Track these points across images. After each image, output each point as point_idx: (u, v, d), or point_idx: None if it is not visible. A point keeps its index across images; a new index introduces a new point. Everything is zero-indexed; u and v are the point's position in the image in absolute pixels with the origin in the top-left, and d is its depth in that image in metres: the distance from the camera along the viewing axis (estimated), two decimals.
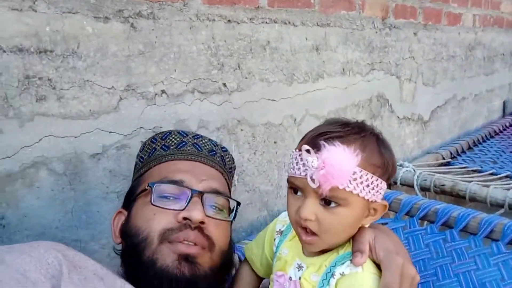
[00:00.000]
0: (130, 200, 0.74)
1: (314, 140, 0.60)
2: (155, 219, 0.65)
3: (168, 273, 0.61)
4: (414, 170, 1.59)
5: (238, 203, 0.75)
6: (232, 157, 0.85)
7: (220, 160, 0.79)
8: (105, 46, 0.86)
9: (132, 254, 0.65)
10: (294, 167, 0.60)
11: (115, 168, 0.90)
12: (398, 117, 1.89)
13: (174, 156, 0.74)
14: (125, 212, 0.73)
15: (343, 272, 0.61)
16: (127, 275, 0.65)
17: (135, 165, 0.82)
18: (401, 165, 1.63)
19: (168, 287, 0.61)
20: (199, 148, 0.77)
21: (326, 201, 0.59)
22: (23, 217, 0.78)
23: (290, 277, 0.66)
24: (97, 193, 0.88)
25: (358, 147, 0.58)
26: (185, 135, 0.79)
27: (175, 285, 0.61)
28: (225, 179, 0.79)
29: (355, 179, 0.57)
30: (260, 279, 0.79)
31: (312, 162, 0.56)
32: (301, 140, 0.64)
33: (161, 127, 0.98)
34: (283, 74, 1.29)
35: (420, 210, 1.17)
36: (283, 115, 1.30)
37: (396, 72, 1.83)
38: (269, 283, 0.73)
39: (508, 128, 2.69)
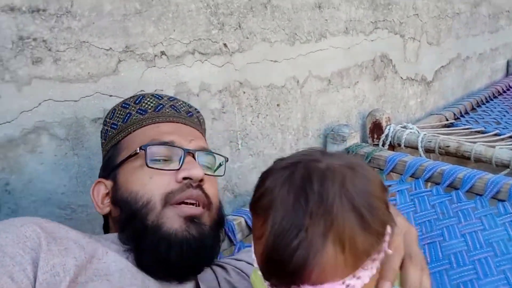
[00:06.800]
0: (110, 169, 0.69)
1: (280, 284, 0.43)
2: (153, 183, 0.63)
3: (176, 236, 0.60)
4: (418, 131, 1.57)
5: (226, 159, 0.74)
6: (203, 119, 0.82)
7: (197, 121, 0.77)
8: (100, 4, 0.82)
9: (133, 221, 0.62)
10: None
11: None
12: (402, 77, 1.86)
13: (155, 119, 0.70)
14: (107, 182, 0.69)
15: None
16: (128, 242, 0.63)
17: (106, 133, 0.74)
18: (404, 127, 1.61)
19: (178, 250, 0.60)
20: (177, 110, 0.73)
21: None
22: (28, 182, 0.78)
23: None
24: (100, 158, 0.87)
25: (334, 250, 0.40)
26: (160, 98, 0.74)
27: (186, 248, 0.60)
28: (205, 139, 0.77)
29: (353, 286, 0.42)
30: None
31: None
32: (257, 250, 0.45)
33: (162, 90, 0.95)
34: (285, 34, 1.25)
35: (425, 171, 1.16)
36: (285, 76, 1.27)
37: (400, 30, 1.78)
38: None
39: (511, 88, 2.65)
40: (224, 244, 1.01)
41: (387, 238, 0.45)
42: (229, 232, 1.02)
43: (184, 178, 0.63)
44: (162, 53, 0.94)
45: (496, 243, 0.95)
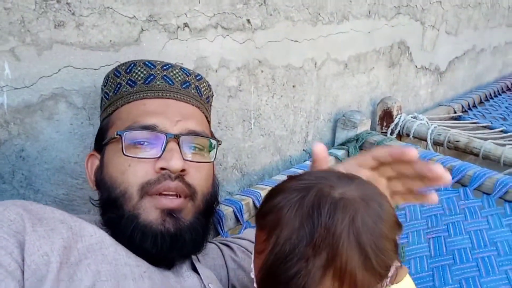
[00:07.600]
0: (101, 143, 0.66)
1: None
2: (130, 171, 0.60)
3: (152, 229, 0.58)
4: (428, 123, 1.57)
5: (218, 142, 0.68)
6: (208, 84, 0.75)
7: (195, 91, 0.70)
8: None
9: (111, 208, 0.61)
10: None
11: None
12: (416, 66, 1.83)
13: (143, 94, 0.65)
14: (98, 156, 0.67)
15: None
16: (107, 226, 0.62)
17: (101, 101, 0.72)
18: (415, 117, 1.60)
19: (152, 243, 0.58)
20: (170, 82, 0.67)
21: None
22: (42, 150, 0.76)
23: None
24: None
25: (331, 284, 0.40)
26: (152, 67, 0.68)
27: (160, 241, 0.59)
28: (203, 112, 0.71)
29: None
30: None
31: None
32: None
33: (182, 63, 0.92)
34: (308, 13, 1.21)
35: None
36: (304, 57, 1.24)
37: (421, 17, 1.74)
38: None
39: None
40: (231, 223, 1.02)
41: (388, 279, 0.44)
42: (236, 212, 1.03)
43: (162, 169, 0.60)
44: (185, 25, 0.91)
45: (500, 243, 0.96)
